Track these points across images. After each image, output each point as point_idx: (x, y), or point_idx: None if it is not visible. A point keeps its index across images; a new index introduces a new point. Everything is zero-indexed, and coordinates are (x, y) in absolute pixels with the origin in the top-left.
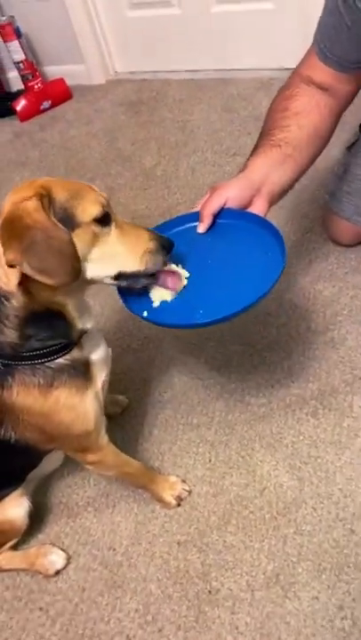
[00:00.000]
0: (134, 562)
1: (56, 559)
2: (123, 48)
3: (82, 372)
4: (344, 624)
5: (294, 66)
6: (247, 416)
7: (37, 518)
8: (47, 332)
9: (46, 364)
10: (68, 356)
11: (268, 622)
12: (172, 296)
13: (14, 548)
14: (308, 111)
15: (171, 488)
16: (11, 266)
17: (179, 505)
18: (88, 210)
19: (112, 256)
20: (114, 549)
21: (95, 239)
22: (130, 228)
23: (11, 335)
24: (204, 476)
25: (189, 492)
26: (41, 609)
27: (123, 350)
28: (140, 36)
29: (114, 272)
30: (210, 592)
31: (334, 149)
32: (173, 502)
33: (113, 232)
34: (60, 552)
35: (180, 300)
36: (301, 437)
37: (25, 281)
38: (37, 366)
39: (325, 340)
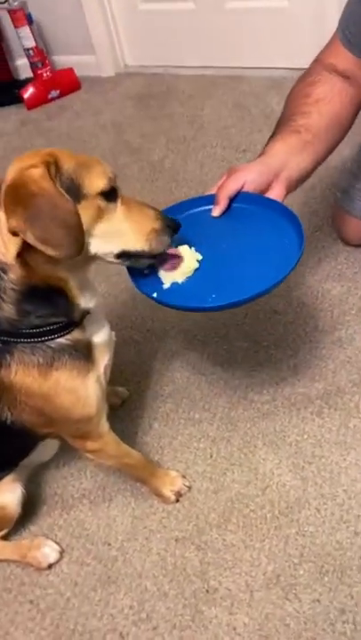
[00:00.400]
0: (130, 557)
1: (49, 552)
2: (134, 41)
3: (84, 354)
4: (346, 628)
5: (307, 66)
6: (250, 413)
7: (31, 509)
8: (47, 308)
9: (47, 342)
10: (69, 337)
11: (268, 624)
12: (184, 278)
13: (5, 538)
14: (329, 99)
15: (171, 483)
16: (14, 233)
17: (177, 500)
18: (95, 182)
19: (117, 233)
20: (109, 544)
21: (100, 214)
22: (136, 205)
23: (8, 310)
24: (204, 471)
25: (189, 487)
26: (31, 602)
27: (125, 342)
28: (153, 30)
29: (117, 249)
30: (207, 591)
31: (346, 148)
32: (172, 497)
33: (119, 208)
34: (54, 545)
35: (192, 283)
36: (306, 436)
37: (24, 252)
38: (37, 345)
39: (333, 340)
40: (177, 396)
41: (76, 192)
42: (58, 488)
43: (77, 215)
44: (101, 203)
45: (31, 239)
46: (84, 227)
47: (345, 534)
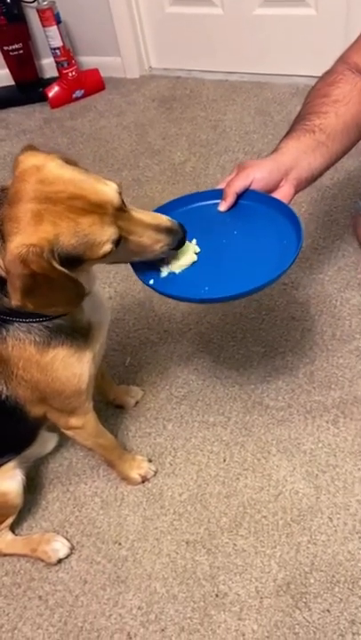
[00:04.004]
0: (140, 558)
1: (59, 547)
2: (160, 44)
3: (82, 333)
4: None
5: None
6: (265, 419)
7: (42, 505)
8: None
9: (44, 323)
10: (67, 317)
11: (276, 631)
12: (180, 269)
13: (13, 532)
14: (348, 100)
15: (138, 467)
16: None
17: (143, 482)
18: (96, 252)
19: (120, 258)
20: (119, 543)
21: (103, 259)
22: (145, 232)
23: (8, 301)
24: (217, 475)
25: (155, 472)
26: (40, 598)
27: (141, 342)
28: (179, 34)
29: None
30: (217, 595)
31: None
32: (139, 479)
33: (123, 248)
34: (65, 540)
35: (188, 274)
36: (320, 445)
37: None
38: (34, 324)
39: (350, 349)
40: (192, 398)
41: (76, 261)
42: (70, 485)
43: (76, 282)
44: (105, 258)
45: (31, 309)
46: (88, 270)
47: (357, 545)
